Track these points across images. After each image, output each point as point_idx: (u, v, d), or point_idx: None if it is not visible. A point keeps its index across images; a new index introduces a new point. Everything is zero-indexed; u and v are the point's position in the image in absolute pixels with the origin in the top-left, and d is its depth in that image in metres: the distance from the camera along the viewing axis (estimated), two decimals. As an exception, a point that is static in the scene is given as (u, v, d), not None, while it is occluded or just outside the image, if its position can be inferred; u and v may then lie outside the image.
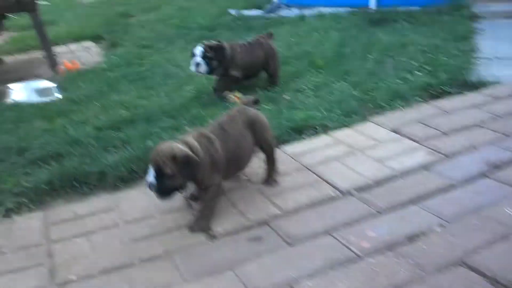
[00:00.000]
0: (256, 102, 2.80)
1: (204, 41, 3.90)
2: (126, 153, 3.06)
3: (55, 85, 4.46)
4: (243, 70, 3.98)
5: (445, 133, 3.05)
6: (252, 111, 2.68)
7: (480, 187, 2.52)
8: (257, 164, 2.88)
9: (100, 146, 3.25)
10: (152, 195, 2.30)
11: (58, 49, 6.20)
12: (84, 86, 4.50)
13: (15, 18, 8.03)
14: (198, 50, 3.81)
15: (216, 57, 3.82)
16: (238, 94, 3.90)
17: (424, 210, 2.36)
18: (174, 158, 2.23)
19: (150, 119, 3.64)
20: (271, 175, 2.70)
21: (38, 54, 6.08)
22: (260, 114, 2.71)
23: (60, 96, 4.33)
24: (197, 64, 3.83)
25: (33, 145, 3.29)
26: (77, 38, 6.62)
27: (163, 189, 2.26)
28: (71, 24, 7.43)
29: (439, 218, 2.29)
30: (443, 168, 2.69)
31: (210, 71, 3.86)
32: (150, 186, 2.24)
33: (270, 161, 2.71)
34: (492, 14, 5.58)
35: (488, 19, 5.51)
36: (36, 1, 5.16)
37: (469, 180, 2.58)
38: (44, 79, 4.77)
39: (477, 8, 5.72)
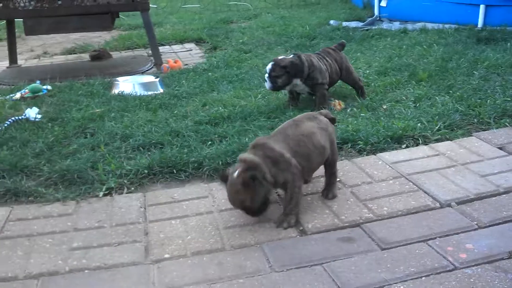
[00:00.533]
0: (333, 121, 2.71)
1: (281, 57, 3.88)
2: (222, 147, 3.15)
3: (158, 80, 4.68)
4: (329, 78, 3.90)
5: (557, 155, 2.86)
6: (323, 119, 2.63)
7: None
8: (349, 167, 2.85)
9: (199, 138, 3.36)
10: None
11: (162, 49, 6.51)
12: (185, 84, 4.68)
13: (123, 18, 8.55)
14: (268, 67, 3.81)
15: (286, 74, 3.74)
16: (342, 103, 3.88)
17: (529, 230, 2.22)
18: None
19: (246, 117, 3.72)
20: (329, 188, 2.62)
21: (143, 52, 6.43)
22: (331, 125, 2.66)
23: (162, 91, 4.54)
24: (265, 81, 3.86)
25: (136, 133, 3.47)
26: (180, 40, 6.91)
27: None
28: (175, 27, 7.77)
29: (545, 239, 2.15)
30: (554, 190, 2.51)
31: (276, 88, 3.85)
32: None
33: (331, 173, 2.63)
34: None
35: None
36: (148, 2, 5.46)
37: None
38: (149, 75, 5.03)
39: None
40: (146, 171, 2.93)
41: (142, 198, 2.71)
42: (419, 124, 3.29)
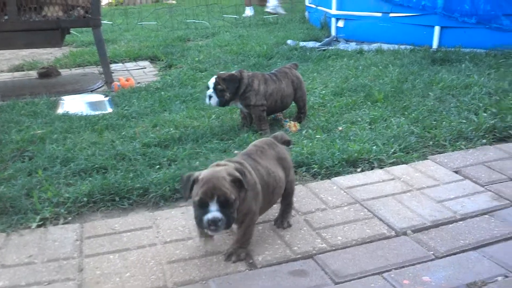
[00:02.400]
0: (288, 143, 2.53)
1: (218, 72, 3.77)
2: (171, 171, 2.97)
3: (107, 99, 4.47)
4: (269, 100, 3.73)
5: (511, 179, 2.80)
6: (281, 147, 2.44)
7: (552, 240, 2.26)
8: (303, 193, 2.73)
9: (146, 162, 3.18)
10: (190, 216, 2.17)
11: (114, 67, 6.31)
12: (136, 103, 4.49)
13: (76, 35, 8.29)
14: (211, 82, 3.66)
15: (228, 88, 3.62)
16: (297, 124, 3.78)
17: (486, 258, 2.13)
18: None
19: (198, 139, 3.56)
20: (284, 216, 2.45)
21: (94, 70, 6.19)
22: (288, 152, 2.50)
23: (111, 110, 4.33)
24: (210, 97, 3.66)
25: (79, 156, 3.26)
26: (134, 57, 6.71)
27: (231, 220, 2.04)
28: (130, 44, 7.57)
29: (503, 267, 2.07)
30: (508, 215, 2.45)
31: (223, 103, 3.68)
32: (216, 221, 1.98)
33: (287, 203, 2.47)
34: None
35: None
36: (100, 18, 5.26)
37: (539, 231, 2.33)
38: (98, 94, 4.82)
39: (547, 55, 5.43)
40: (85, 199, 2.72)
41: (79, 229, 2.49)
42: (374, 147, 3.20)
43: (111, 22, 9.30)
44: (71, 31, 6.41)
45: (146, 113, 4.21)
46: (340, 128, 3.70)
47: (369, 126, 3.69)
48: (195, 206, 2.05)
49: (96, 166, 3.12)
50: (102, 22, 5.40)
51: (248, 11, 10.64)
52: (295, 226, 2.43)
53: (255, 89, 3.68)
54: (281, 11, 10.46)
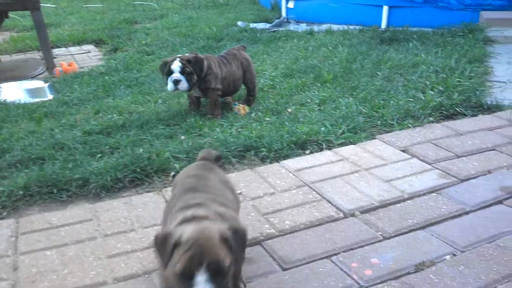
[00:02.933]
0: (218, 159, 2.18)
1: (179, 55, 3.51)
2: (112, 160, 2.84)
3: (47, 85, 4.26)
4: (223, 84, 3.62)
5: (457, 156, 2.82)
6: (216, 167, 2.09)
7: (495, 214, 2.28)
8: (251, 177, 2.66)
9: (87, 151, 3.03)
10: (135, 204, 2.07)
11: (57, 51, 6.05)
12: (78, 89, 4.30)
13: (18, 19, 7.91)
14: (176, 65, 3.38)
15: (195, 71, 3.42)
16: (247, 107, 3.69)
17: (434, 237, 2.13)
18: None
19: (143, 125, 3.43)
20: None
21: (36, 55, 5.91)
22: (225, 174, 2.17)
23: (52, 97, 4.13)
24: (176, 82, 3.39)
25: (15, 147, 3.07)
26: (79, 41, 6.45)
27: None
28: (74, 27, 7.27)
29: (450, 246, 2.06)
30: (455, 193, 2.45)
31: (191, 87, 3.46)
32: None
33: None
34: (506, 39, 5.37)
35: (502, 43, 5.30)
36: (39, 0, 4.99)
37: (483, 206, 2.34)
38: (38, 80, 4.59)
39: (491, 32, 5.51)
40: (21, 192, 2.55)
41: (14, 225, 2.34)
42: (323, 128, 3.16)
43: (54, 6, 8.91)
44: (11, 15, 6.08)
45: (89, 99, 4.04)
46: (289, 110, 3.64)
47: (318, 107, 3.65)
48: (176, 277, 1.50)
49: (34, 156, 2.95)
50: (45, 5, 5.16)
51: None
52: (243, 212, 2.36)
53: (214, 72, 3.55)
54: None
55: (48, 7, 8.90)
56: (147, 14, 8.23)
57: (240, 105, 3.75)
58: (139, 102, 3.92)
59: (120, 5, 8.95)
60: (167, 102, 3.93)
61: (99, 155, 2.98)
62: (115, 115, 3.61)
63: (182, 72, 3.40)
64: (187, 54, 3.52)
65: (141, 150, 2.96)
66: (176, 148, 2.97)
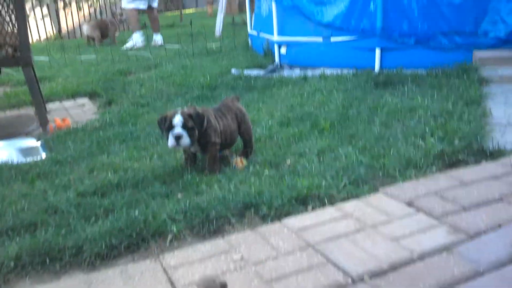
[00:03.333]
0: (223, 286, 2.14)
1: (179, 108, 3.43)
2: (107, 224, 2.73)
3: (40, 144, 4.19)
4: (221, 138, 3.56)
5: (465, 208, 2.73)
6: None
7: (510, 273, 2.17)
8: (252, 238, 2.55)
9: (80, 214, 2.93)
10: (132, 273, 1.96)
11: (51, 106, 6.01)
12: (72, 146, 4.22)
13: (12, 74, 7.90)
14: (178, 119, 3.27)
15: (197, 126, 3.32)
16: (244, 160, 3.61)
17: (449, 302, 2.01)
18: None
19: (139, 184, 3.35)
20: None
21: (30, 111, 5.86)
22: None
23: (45, 156, 4.05)
24: (178, 137, 3.26)
25: (7, 212, 2.97)
26: (73, 95, 6.41)
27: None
28: (68, 80, 7.25)
29: (467, 312, 1.95)
30: (466, 251, 2.35)
31: (193, 143, 3.35)
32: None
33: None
34: (501, 78, 5.37)
35: (496, 83, 5.29)
36: (31, 56, 4.97)
37: (498, 265, 2.23)
38: (31, 138, 4.52)
39: (485, 72, 5.51)
40: (13, 264, 2.44)
41: (4, 301, 2.23)
42: (324, 182, 3.07)
43: (48, 59, 8.93)
44: (3, 71, 6.07)
45: (83, 157, 3.95)
46: (288, 162, 3.57)
47: (317, 158, 3.58)
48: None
49: (26, 222, 2.85)
50: (39, 58, 5.12)
51: (137, 37, 10.52)
52: (245, 279, 2.25)
53: (213, 125, 3.48)
54: (140, 44, 10.43)
55: (42, 60, 8.93)
56: (141, 64, 8.26)
57: (238, 158, 3.67)
58: (134, 158, 3.84)
59: (114, 55, 8.98)
60: (163, 157, 3.86)
61: (93, 218, 2.88)
62: (109, 173, 3.53)
63: (184, 127, 3.31)
64: (185, 109, 3.45)
65: (136, 212, 2.86)
66: (173, 209, 2.87)
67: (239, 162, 3.61)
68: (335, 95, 5.17)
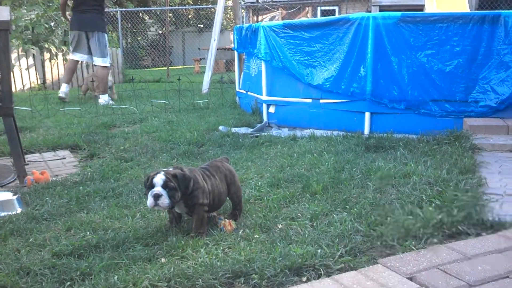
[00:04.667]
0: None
1: (163, 169, 3.24)
2: (83, 291, 2.49)
3: (16, 198, 3.94)
4: (209, 199, 3.37)
5: (470, 285, 2.54)
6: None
7: None
8: (245, 315, 2.32)
9: (55, 278, 2.68)
10: None
11: (30, 157, 5.78)
12: (50, 201, 3.98)
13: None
14: (159, 178, 3.10)
15: (180, 187, 3.15)
16: (233, 223, 3.41)
17: None
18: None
19: (119, 245, 3.11)
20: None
21: (8, 161, 5.61)
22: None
23: (21, 210, 3.80)
24: (157, 196, 3.08)
25: (-27, 273, 2.71)
26: (53, 147, 6.20)
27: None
28: (49, 132, 7.05)
29: None
30: (477, 333, 2.15)
31: (173, 205, 3.17)
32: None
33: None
34: (493, 146, 5.33)
35: (489, 151, 5.25)
36: (12, 107, 4.80)
37: None
38: (7, 191, 4.27)
39: (476, 140, 5.48)
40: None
41: None
42: (319, 250, 2.88)
43: (30, 108, 8.75)
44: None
45: (60, 214, 3.71)
46: (279, 226, 3.38)
47: (311, 223, 3.40)
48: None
49: (-6, 285, 2.59)
50: (21, 108, 4.95)
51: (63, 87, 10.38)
52: None
53: (201, 186, 3.30)
54: (110, 101, 10.35)
55: (23, 109, 8.74)
56: (126, 118, 8.12)
57: (226, 220, 3.47)
58: (115, 217, 3.62)
59: (98, 108, 8.84)
60: (146, 217, 3.64)
61: (68, 283, 2.63)
62: (88, 232, 3.30)
63: (165, 186, 3.12)
64: (171, 168, 3.27)
65: (115, 277, 2.62)
66: (155, 275, 2.65)
67: (227, 224, 3.40)
68: (326, 157, 5.05)
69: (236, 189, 3.61)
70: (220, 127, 6.94)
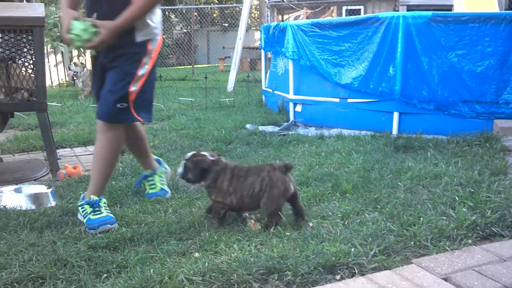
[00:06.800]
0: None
1: (195, 151, 3.62)
2: (120, 282, 2.54)
3: (51, 191, 4.02)
4: (235, 199, 3.39)
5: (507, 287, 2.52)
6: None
7: None
8: (280, 310, 2.34)
9: (91, 269, 2.74)
10: None
11: (62, 152, 5.90)
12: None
13: (23, 117, 7.85)
14: (188, 155, 3.57)
15: (190, 169, 3.48)
16: (258, 225, 3.43)
17: None
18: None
19: (153, 239, 3.16)
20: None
21: (39, 155, 5.73)
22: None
23: (55, 204, 3.88)
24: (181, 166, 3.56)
25: (13, 262, 2.78)
26: (84, 142, 6.32)
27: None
28: (79, 127, 7.17)
29: None
30: (515, 336, 2.14)
31: (183, 176, 3.54)
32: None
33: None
34: (524, 148, 5.26)
35: (520, 153, 5.17)
36: (46, 102, 4.90)
37: None
38: (41, 184, 4.37)
39: (508, 142, 5.40)
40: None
41: None
42: (352, 249, 2.88)
43: (60, 104, 8.91)
44: (15, 113, 5.99)
45: (94, 207, 3.77)
46: (310, 224, 3.39)
47: (342, 222, 3.40)
48: None
49: (33, 275, 2.65)
50: (51, 104, 5.05)
51: None
52: None
53: (217, 186, 3.45)
54: None
55: (54, 105, 8.90)
56: (154, 115, 8.11)
57: (253, 221, 3.50)
58: (148, 212, 3.67)
59: (127, 104, 8.94)
60: (178, 212, 3.69)
61: (105, 275, 2.69)
62: (122, 226, 3.35)
63: (185, 163, 3.54)
64: (207, 153, 3.62)
65: (151, 271, 2.67)
66: (190, 269, 2.68)
67: (252, 224, 3.43)
68: (355, 156, 5.04)
69: (269, 201, 3.36)
70: (247, 125, 6.97)
